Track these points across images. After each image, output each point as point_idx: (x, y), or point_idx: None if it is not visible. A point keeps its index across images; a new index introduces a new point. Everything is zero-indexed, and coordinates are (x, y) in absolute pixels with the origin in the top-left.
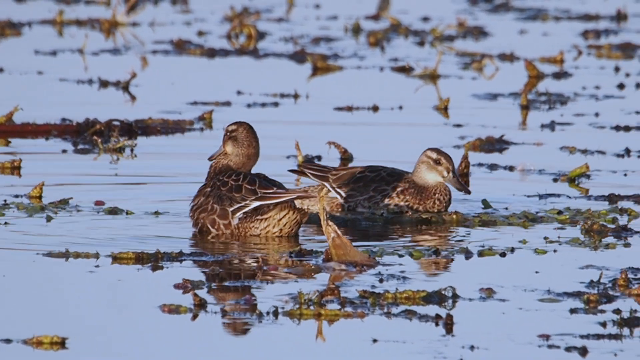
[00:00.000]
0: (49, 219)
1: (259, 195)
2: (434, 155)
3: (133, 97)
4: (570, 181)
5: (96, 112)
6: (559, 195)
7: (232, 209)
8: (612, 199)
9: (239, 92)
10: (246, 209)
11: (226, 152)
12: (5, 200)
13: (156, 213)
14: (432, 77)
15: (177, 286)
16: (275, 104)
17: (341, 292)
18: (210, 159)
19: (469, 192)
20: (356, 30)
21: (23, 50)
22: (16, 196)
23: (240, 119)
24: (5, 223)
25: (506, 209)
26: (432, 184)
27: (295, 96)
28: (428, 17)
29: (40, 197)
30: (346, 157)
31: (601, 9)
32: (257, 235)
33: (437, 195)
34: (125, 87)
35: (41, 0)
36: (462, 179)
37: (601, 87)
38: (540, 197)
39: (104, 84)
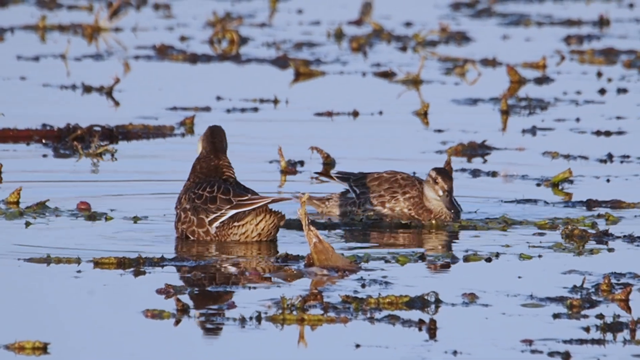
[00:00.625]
0: (27, 224)
1: (234, 203)
2: (433, 174)
3: (117, 103)
4: (553, 186)
5: (80, 118)
6: (536, 201)
7: (208, 219)
8: (590, 204)
9: (218, 98)
10: (223, 218)
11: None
12: None
13: (135, 218)
14: (415, 82)
15: (159, 291)
16: (255, 109)
17: (324, 297)
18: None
19: (457, 213)
20: (339, 35)
21: (5, 55)
22: None
23: (217, 123)
24: None
25: (475, 212)
26: (433, 203)
27: (275, 101)
28: (410, 23)
29: (17, 203)
30: (328, 163)
31: (583, 14)
32: (237, 241)
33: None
34: (108, 92)
35: (23, 6)
36: None
37: (582, 93)
38: (518, 202)
39: (87, 89)
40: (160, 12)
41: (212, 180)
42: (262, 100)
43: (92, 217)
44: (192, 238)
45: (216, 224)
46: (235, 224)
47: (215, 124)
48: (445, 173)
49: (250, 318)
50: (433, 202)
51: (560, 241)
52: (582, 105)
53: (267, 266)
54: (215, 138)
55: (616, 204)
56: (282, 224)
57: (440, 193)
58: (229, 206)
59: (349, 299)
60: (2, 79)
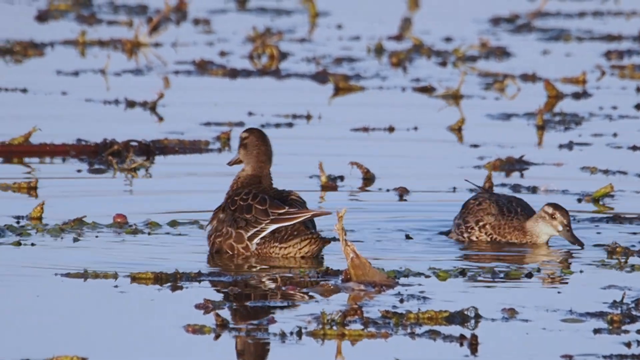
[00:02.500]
0: (75, 240)
1: (273, 218)
2: (550, 210)
3: (161, 118)
4: (594, 201)
5: (121, 133)
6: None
7: (248, 234)
8: (616, 218)
9: (250, 113)
10: (263, 234)
11: (241, 159)
12: (18, 221)
13: (177, 230)
14: (455, 97)
15: (198, 306)
16: (290, 125)
17: (364, 313)
18: (228, 164)
19: (582, 246)
20: (378, 50)
21: (45, 70)
22: (18, 217)
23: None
24: (32, 244)
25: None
26: (544, 238)
27: (308, 117)
28: (450, 38)
29: (40, 218)
30: (368, 177)
31: (623, 29)
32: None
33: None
34: (152, 107)
35: (63, 21)
36: None
37: (619, 108)
38: None
39: (130, 104)
40: (200, 27)
41: (249, 188)
42: (295, 116)
43: (135, 231)
44: (230, 253)
45: (256, 240)
46: (277, 244)
47: (257, 131)
48: (561, 207)
49: (291, 333)
50: (543, 237)
51: (603, 257)
52: (616, 120)
53: (305, 281)
54: (267, 145)
55: None
56: (326, 246)
57: (560, 228)
58: (268, 220)
59: (388, 314)
60: (43, 94)
